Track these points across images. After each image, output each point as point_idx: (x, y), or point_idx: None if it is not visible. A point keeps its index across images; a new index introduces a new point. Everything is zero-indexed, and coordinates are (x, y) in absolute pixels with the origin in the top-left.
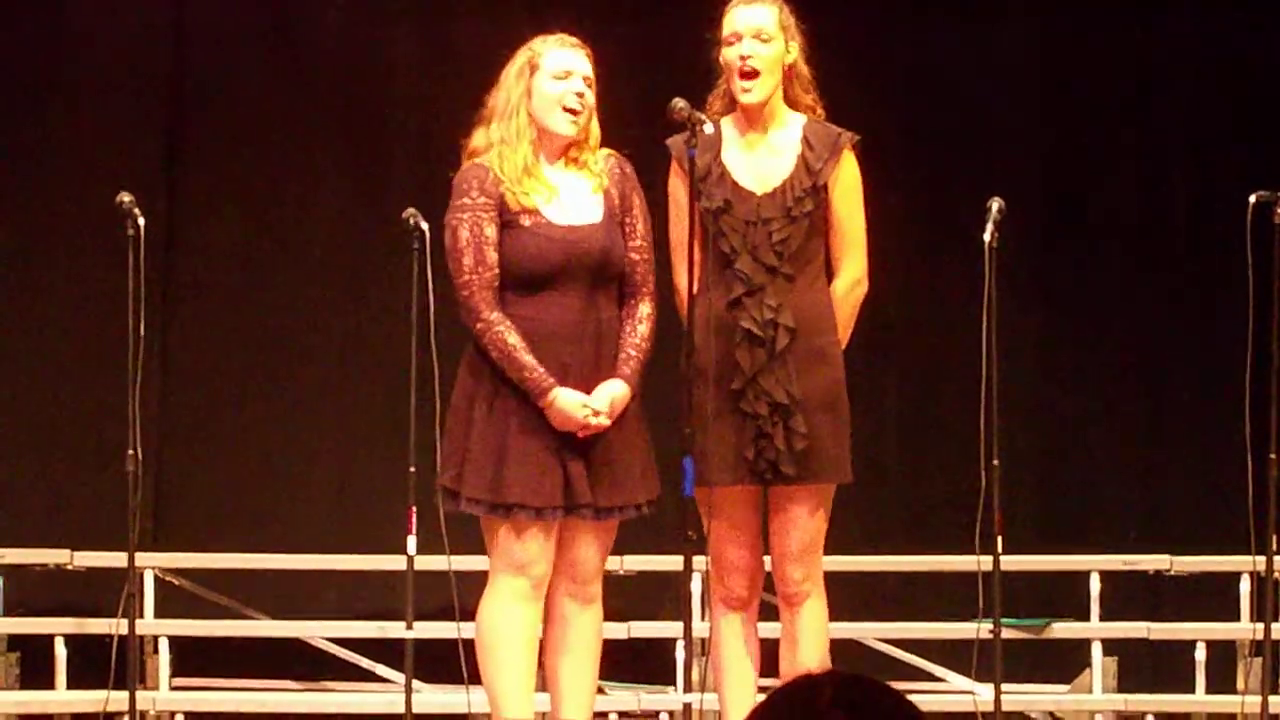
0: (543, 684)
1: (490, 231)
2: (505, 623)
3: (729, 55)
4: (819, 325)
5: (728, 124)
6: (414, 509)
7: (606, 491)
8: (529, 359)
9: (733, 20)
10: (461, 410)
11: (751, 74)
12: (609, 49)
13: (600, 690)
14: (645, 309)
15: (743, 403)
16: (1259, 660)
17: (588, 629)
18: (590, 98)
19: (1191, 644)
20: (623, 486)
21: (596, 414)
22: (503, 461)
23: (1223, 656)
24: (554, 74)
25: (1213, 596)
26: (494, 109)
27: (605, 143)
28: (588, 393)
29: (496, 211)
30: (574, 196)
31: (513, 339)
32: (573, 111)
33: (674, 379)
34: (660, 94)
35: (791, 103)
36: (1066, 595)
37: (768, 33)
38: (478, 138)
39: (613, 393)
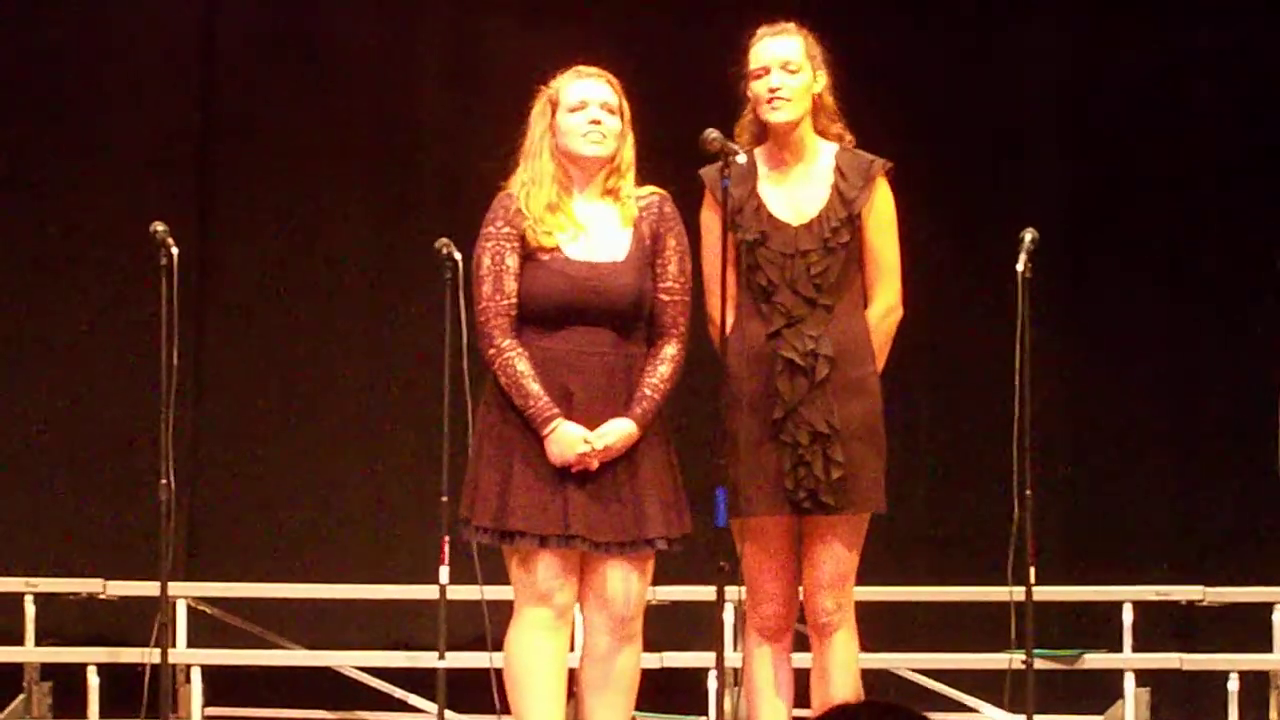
0: (575, 714)
1: (511, 261)
2: (531, 654)
3: (757, 88)
4: (857, 355)
5: (760, 156)
6: (447, 538)
7: (617, 525)
8: (535, 387)
9: (759, 54)
10: (478, 440)
11: (781, 100)
12: (643, 78)
13: None
14: (670, 350)
15: (783, 432)
16: None
17: (624, 667)
18: (612, 122)
19: (1225, 675)
20: (634, 521)
21: (594, 451)
22: (507, 490)
23: (1256, 687)
24: (570, 107)
25: (1246, 627)
26: (523, 150)
27: (643, 176)
28: (591, 426)
29: (519, 242)
30: (602, 232)
31: (522, 366)
32: (592, 135)
33: (710, 411)
34: (692, 124)
35: (820, 132)
36: (1099, 626)
37: (795, 63)
38: (512, 183)
39: (618, 431)
